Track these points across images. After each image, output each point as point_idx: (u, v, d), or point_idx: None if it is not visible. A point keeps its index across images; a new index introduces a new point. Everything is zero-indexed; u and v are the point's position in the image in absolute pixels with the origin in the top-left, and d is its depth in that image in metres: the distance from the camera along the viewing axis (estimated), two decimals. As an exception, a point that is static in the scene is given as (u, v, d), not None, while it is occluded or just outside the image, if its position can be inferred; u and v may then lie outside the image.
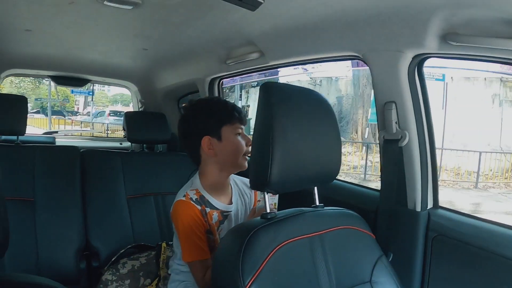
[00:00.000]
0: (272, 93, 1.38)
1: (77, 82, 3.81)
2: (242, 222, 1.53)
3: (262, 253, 1.29)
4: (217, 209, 1.84)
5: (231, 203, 1.91)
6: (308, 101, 1.50)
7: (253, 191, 2.02)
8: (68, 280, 2.55)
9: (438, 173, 2.01)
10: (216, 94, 3.12)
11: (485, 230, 1.78)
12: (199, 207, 1.78)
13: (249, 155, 1.81)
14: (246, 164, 1.84)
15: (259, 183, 1.39)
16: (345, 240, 1.55)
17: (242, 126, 1.86)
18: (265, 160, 1.32)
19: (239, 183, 2.01)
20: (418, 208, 1.94)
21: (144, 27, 2.36)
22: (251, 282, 1.24)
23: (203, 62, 2.90)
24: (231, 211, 1.88)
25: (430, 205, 1.99)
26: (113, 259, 2.30)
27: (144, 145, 3.50)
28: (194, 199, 1.80)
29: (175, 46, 2.70)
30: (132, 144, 3.37)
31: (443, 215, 1.94)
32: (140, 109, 3.95)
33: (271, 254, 1.30)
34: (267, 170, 1.31)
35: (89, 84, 3.99)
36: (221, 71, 2.87)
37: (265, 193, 1.44)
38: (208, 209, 1.81)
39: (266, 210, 1.44)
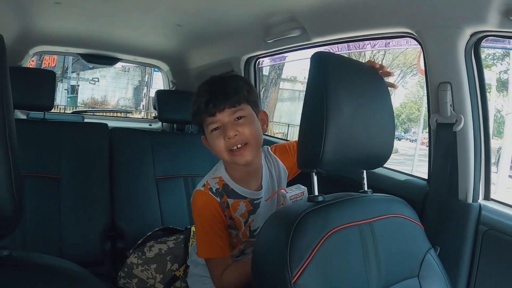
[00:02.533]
0: (327, 63, 1.26)
1: (108, 60, 3.73)
2: (286, 206, 1.40)
3: (312, 240, 1.17)
4: (244, 198, 1.68)
5: (261, 187, 1.74)
6: (363, 75, 1.38)
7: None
8: (92, 261, 2.52)
9: (491, 163, 1.87)
10: (252, 74, 3.01)
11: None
12: (218, 199, 1.63)
13: (235, 148, 1.59)
14: (243, 159, 1.59)
15: (309, 162, 1.27)
16: (395, 230, 1.43)
17: (214, 118, 1.58)
18: (317, 137, 1.20)
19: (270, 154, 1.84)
20: (470, 200, 1.80)
21: (180, 1, 2.26)
22: (299, 273, 1.12)
23: (239, 39, 2.77)
24: (261, 197, 1.72)
25: (481, 196, 1.85)
26: (139, 242, 2.23)
27: (175, 125, 3.45)
28: (214, 189, 1.64)
29: (211, 22, 2.58)
30: (163, 124, 3.28)
31: (495, 208, 1.79)
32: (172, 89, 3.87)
33: (322, 241, 1.18)
34: (320, 147, 1.20)
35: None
36: (258, 49, 2.74)
37: (313, 173, 1.31)
38: (231, 200, 1.66)
39: (313, 193, 1.32)
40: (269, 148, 1.85)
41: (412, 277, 1.43)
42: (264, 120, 1.71)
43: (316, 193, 1.32)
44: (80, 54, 3.61)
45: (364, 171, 1.51)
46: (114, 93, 17.17)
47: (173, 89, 3.80)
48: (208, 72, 3.25)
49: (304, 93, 1.30)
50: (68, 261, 0.87)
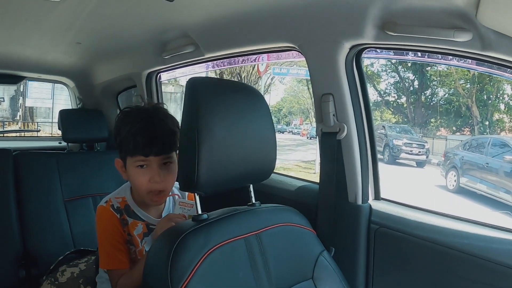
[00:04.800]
0: (198, 89, 1.31)
1: (11, 79, 3.58)
2: (173, 226, 1.44)
3: (192, 259, 1.22)
4: (142, 220, 1.73)
5: (160, 216, 1.78)
6: (239, 95, 1.43)
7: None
8: None
9: (378, 165, 1.99)
10: (154, 88, 3.03)
11: (427, 220, 1.77)
12: (118, 216, 1.69)
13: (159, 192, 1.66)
14: (157, 203, 1.71)
15: (187, 185, 1.31)
16: (284, 238, 1.51)
17: (145, 158, 1.61)
18: (191, 161, 1.25)
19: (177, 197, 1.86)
20: (359, 201, 1.91)
21: (75, 20, 2.23)
22: None
23: (139, 55, 2.79)
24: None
25: (371, 197, 1.97)
26: (51, 267, 2.17)
27: (84, 144, 3.39)
28: (115, 207, 1.70)
29: (109, 39, 2.59)
30: (69, 144, 3.20)
31: (384, 207, 1.92)
32: (78, 106, 3.77)
33: (202, 259, 1.23)
34: (194, 171, 1.24)
35: None
36: (157, 65, 2.76)
37: (195, 194, 1.37)
38: (130, 220, 1.71)
39: (197, 212, 1.37)
40: None
41: (306, 279, 1.50)
42: None
43: (200, 211, 1.36)
44: (-18, 74, 3.48)
45: (251, 185, 1.56)
46: (-11, 103, 16.54)
47: (80, 105, 3.72)
48: (113, 87, 3.32)
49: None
50: None
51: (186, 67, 2.72)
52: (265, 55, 2.42)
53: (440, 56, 1.73)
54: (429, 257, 1.72)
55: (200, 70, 2.85)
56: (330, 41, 1.76)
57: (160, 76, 3.01)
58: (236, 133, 1.35)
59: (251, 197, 1.56)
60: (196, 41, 2.28)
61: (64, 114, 3.12)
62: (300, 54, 1.92)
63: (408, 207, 1.92)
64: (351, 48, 1.78)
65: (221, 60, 2.49)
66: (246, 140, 1.38)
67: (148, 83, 2.99)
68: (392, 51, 1.84)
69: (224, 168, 1.33)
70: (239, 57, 2.35)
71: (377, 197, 1.99)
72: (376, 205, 1.93)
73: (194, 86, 1.31)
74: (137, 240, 1.71)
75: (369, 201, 1.95)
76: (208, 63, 2.58)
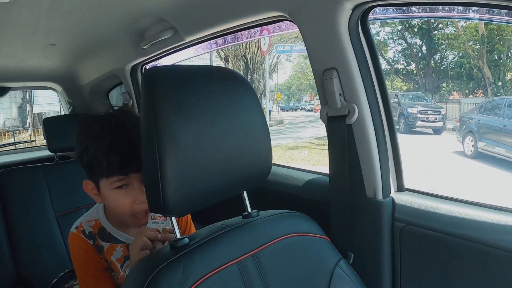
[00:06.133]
0: (157, 82, 1.01)
1: (-4, 92, 3.47)
2: (149, 255, 1.17)
3: None
4: (122, 242, 1.49)
5: None
6: (214, 84, 1.12)
7: None
8: None
9: (399, 151, 1.68)
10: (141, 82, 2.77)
11: (463, 214, 1.46)
12: (91, 242, 1.46)
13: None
14: (143, 222, 1.42)
15: (156, 208, 1.02)
16: (290, 253, 1.23)
17: (125, 178, 1.36)
18: (154, 178, 0.96)
19: None
20: (380, 196, 1.60)
21: (37, 20, 2.02)
22: None
23: (117, 49, 2.56)
24: None
25: (393, 190, 1.67)
26: None
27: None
28: (87, 232, 1.47)
29: (83, 35, 2.37)
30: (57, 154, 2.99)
31: (410, 201, 1.61)
32: (69, 110, 3.61)
33: None
34: (159, 191, 0.96)
35: None
36: (138, 57, 2.51)
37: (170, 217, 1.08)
38: (107, 244, 1.47)
39: (175, 236, 1.08)
40: None
41: None
42: None
43: (178, 235, 1.08)
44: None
45: (245, 192, 1.27)
46: (-1, 115, 16.80)
47: (70, 109, 3.57)
48: (100, 86, 3.20)
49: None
50: None
51: (185, 52, 2.48)
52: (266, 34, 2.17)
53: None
54: (466, 259, 1.43)
55: (203, 52, 2.62)
56: (326, 2, 1.45)
57: (145, 68, 2.78)
58: (212, 133, 1.05)
59: (246, 205, 1.28)
60: (173, 24, 2.02)
61: (48, 123, 2.93)
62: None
63: (439, 198, 1.60)
64: (354, 9, 1.47)
65: (223, 38, 2.23)
66: (228, 139, 1.08)
67: (134, 77, 2.77)
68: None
69: (200, 182, 1.03)
70: (225, 36, 2.08)
71: (400, 188, 1.69)
72: (400, 199, 1.62)
73: (151, 80, 1.01)
74: (116, 266, 1.49)
75: (391, 195, 1.64)
76: (211, 43, 2.33)
